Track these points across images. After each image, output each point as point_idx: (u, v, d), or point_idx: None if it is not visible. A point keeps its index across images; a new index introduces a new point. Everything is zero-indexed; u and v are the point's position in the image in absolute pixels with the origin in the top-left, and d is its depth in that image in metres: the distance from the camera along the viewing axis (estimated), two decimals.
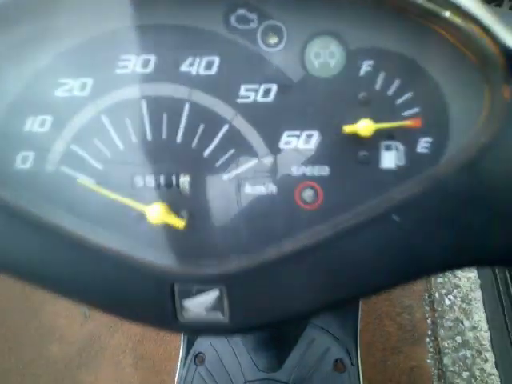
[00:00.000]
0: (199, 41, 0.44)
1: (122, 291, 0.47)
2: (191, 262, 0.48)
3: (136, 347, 1.61)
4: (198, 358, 1.07)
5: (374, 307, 1.77)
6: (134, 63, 0.45)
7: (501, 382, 1.69)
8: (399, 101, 0.43)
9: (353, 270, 0.45)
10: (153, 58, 0.43)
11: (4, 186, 0.49)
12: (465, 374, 1.75)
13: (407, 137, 0.44)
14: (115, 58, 0.46)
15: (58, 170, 0.49)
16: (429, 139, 0.44)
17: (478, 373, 1.73)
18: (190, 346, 1.09)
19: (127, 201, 0.47)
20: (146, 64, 0.45)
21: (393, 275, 0.45)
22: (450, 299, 1.83)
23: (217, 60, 0.43)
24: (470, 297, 1.82)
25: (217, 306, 0.47)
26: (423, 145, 0.44)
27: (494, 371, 1.71)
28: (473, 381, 1.75)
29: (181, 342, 1.13)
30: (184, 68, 0.43)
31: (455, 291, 1.84)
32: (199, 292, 0.47)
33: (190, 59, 0.43)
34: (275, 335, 0.92)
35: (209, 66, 0.45)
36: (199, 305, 0.47)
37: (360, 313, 1.10)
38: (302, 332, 1.02)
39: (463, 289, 1.85)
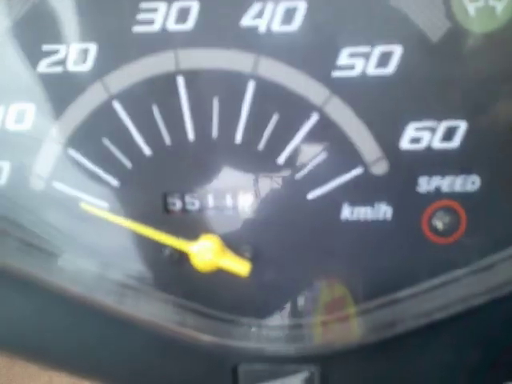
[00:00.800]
0: None
1: (167, 376, 0.31)
2: (260, 331, 0.31)
3: None
4: None
5: None
6: (165, 15, 0.28)
7: None
8: None
9: None
10: (195, 6, 0.29)
11: None
12: None
13: None
14: (133, 7, 0.28)
15: (49, 187, 0.32)
16: None
17: None
18: None
19: (157, 235, 0.31)
20: (183, 16, 0.28)
21: None
22: None
23: (302, 5, 0.26)
24: None
25: None
26: None
27: None
28: None
29: None
30: (247, 21, 0.29)
31: None
32: (275, 375, 0.30)
33: (257, 6, 0.28)
34: None
35: (289, 15, 0.28)
36: None
37: None
38: None
39: None
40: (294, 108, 0.29)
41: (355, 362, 0.30)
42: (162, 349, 0.31)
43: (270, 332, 0.32)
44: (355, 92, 0.29)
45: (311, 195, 0.31)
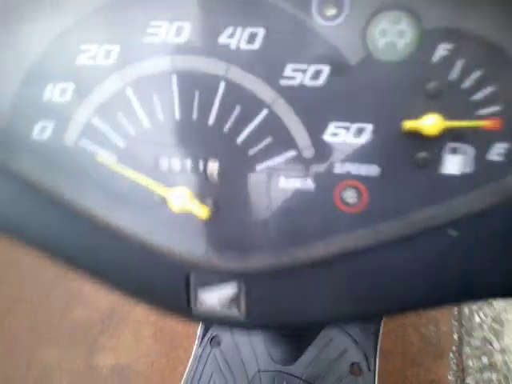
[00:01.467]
0: (243, 8, 0.38)
1: (137, 274, 0.45)
2: (210, 253, 0.43)
3: (157, 320, 1.64)
4: (215, 341, 1.05)
5: None
6: (166, 31, 0.40)
7: None
8: (477, 96, 0.36)
9: (389, 284, 0.39)
10: (187, 26, 0.39)
11: (19, 158, 0.45)
12: None
13: (480, 140, 0.37)
14: (145, 23, 0.40)
15: (78, 143, 0.45)
16: (506, 145, 0.36)
17: None
18: (207, 327, 1.07)
19: (149, 182, 0.43)
20: (179, 32, 0.40)
21: (433, 297, 0.39)
22: (480, 317, 1.66)
23: (261, 32, 0.37)
24: (502, 317, 1.64)
25: (233, 302, 0.43)
26: (497, 151, 0.37)
27: None
28: None
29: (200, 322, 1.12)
30: (223, 40, 0.38)
31: (487, 309, 1.67)
32: (216, 285, 0.43)
33: (230, 29, 0.39)
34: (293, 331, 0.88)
35: (252, 38, 0.39)
36: (214, 298, 0.43)
37: (383, 318, 1.04)
38: (320, 330, 0.98)
39: (496, 308, 1.68)
40: (251, 104, 0.40)
41: (271, 281, 0.42)
42: (134, 252, 0.44)
43: (217, 257, 0.44)
44: (295, 97, 0.39)
45: (259, 167, 0.42)
